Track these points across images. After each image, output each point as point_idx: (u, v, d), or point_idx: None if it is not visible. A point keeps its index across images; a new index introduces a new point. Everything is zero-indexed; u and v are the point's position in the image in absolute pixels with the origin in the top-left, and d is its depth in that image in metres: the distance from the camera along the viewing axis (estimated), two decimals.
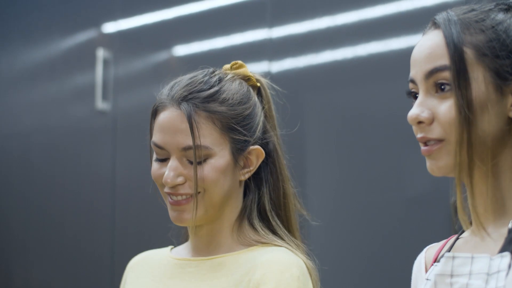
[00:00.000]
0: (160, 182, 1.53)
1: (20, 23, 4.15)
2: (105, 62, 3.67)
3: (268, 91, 1.65)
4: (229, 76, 1.59)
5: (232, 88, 1.56)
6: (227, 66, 1.64)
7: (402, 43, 2.74)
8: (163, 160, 1.53)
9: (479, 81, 1.13)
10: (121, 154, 3.58)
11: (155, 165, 1.54)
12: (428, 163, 1.19)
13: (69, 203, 3.76)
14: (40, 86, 3.99)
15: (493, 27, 1.16)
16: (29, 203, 3.94)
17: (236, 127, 1.53)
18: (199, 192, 1.50)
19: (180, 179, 1.50)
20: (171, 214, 1.53)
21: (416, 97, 1.21)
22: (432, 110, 1.17)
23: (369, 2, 2.83)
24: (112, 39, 3.72)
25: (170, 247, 1.69)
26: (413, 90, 1.22)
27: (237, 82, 1.59)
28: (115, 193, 3.58)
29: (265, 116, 1.62)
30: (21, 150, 4.03)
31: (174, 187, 1.50)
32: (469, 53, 1.15)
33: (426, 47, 1.19)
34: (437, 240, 1.36)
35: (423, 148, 1.19)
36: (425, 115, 1.17)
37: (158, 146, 1.52)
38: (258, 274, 1.44)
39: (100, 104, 3.63)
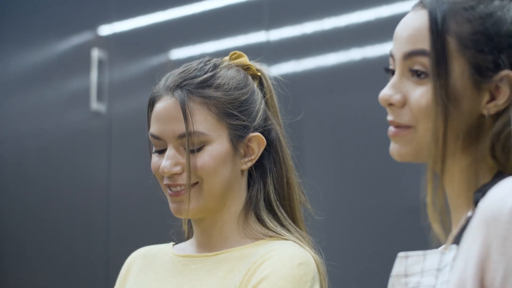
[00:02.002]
0: (159, 175, 1.50)
1: (14, 26, 4.13)
2: (101, 64, 3.65)
3: (269, 80, 1.62)
4: (225, 64, 1.56)
5: (228, 74, 1.53)
6: (226, 57, 1.60)
7: None
8: (162, 152, 1.50)
9: (458, 73, 1.09)
10: (116, 157, 3.57)
11: (154, 158, 1.51)
12: (391, 146, 1.15)
13: (64, 206, 3.75)
14: (35, 89, 3.97)
15: (481, 17, 1.10)
16: (24, 207, 3.92)
17: (233, 112, 1.49)
18: (197, 182, 1.47)
19: (177, 168, 1.47)
20: (171, 206, 1.49)
21: (393, 74, 1.17)
22: (405, 93, 1.13)
23: (368, 5, 2.82)
24: (107, 42, 3.70)
25: (171, 243, 1.64)
26: (391, 67, 1.18)
27: (234, 69, 1.56)
28: (110, 196, 3.57)
29: (267, 105, 1.58)
30: (16, 154, 4.01)
31: (171, 177, 1.47)
32: (451, 43, 1.10)
33: (409, 26, 1.14)
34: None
35: (390, 128, 1.15)
36: (397, 97, 1.13)
37: (155, 137, 1.49)
38: (259, 262, 1.42)
39: (95, 106, 3.61)
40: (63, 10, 3.92)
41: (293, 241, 1.48)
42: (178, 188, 1.47)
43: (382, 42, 2.78)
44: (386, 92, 1.15)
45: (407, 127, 1.13)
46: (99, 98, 3.63)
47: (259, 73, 1.61)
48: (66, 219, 3.74)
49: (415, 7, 1.17)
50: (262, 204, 1.53)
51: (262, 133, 1.53)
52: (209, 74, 1.51)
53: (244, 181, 1.55)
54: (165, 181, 1.49)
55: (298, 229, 1.53)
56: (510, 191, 0.96)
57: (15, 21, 4.12)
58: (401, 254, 1.15)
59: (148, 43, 3.59)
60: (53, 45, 3.94)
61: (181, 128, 1.46)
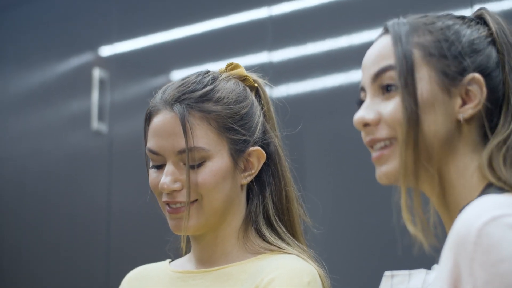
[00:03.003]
0: (158, 191, 1.47)
1: (15, 46, 4.14)
2: (102, 85, 3.65)
3: (266, 91, 1.60)
4: (223, 76, 1.53)
5: (227, 87, 1.50)
6: (222, 68, 1.58)
7: None
8: (160, 167, 1.47)
9: (426, 80, 1.10)
10: (117, 177, 3.56)
11: (152, 174, 1.48)
12: (377, 171, 1.15)
13: (65, 226, 3.74)
14: (36, 110, 3.98)
15: (442, 29, 1.14)
16: (25, 226, 3.91)
17: (234, 127, 1.47)
18: (196, 200, 1.44)
19: (177, 185, 1.43)
20: (170, 223, 1.46)
21: None
22: (378, 111, 1.14)
23: (369, 26, 2.82)
24: (108, 62, 3.71)
25: (168, 260, 1.60)
26: (363, 99, 1.19)
27: (232, 81, 1.52)
28: (111, 216, 3.56)
29: (264, 117, 1.56)
30: (17, 174, 4.01)
31: (171, 193, 1.44)
32: (416, 53, 1.12)
33: (374, 50, 1.18)
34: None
35: (373, 154, 1.15)
36: (370, 116, 1.14)
37: (153, 152, 1.46)
38: (266, 280, 1.37)
39: (96, 126, 3.61)
40: (64, 31, 3.92)
41: (296, 255, 1.45)
42: (178, 205, 1.44)
43: None
44: (359, 114, 1.16)
45: (389, 141, 1.13)
46: (100, 118, 3.63)
47: (256, 84, 1.59)
48: (67, 238, 3.73)
49: (378, 37, 1.21)
50: (261, 218, 1.50)
51: (261, 146, 1.51)
52: (209, 87, 1.48)
53: (243, 195, 1.52)
54: (164, 198, 1.46)
55: (298, 243, 1.50)
56: (479, 213, 0.96)
57: (16, 41, 4.13)
58: (387, 273, 1.16)
59: (149, 63, 3.60)
60: (54, 65, 3.95)
61: (180, 143, 1.43)
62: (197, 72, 1.53)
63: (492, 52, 1.14)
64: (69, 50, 3.89)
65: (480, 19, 1.18)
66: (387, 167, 1.14)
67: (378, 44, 1.18)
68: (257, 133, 1.51)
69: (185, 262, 1.56)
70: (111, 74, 3.67)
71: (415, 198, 1.10)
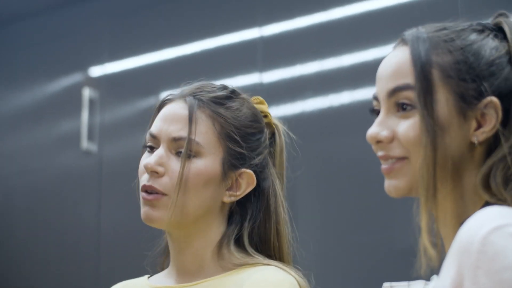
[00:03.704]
0: (140, 175, 1.46)
1: (5, 66, 4.14)
2: (91, 105, 3.64)
3: (283, 138, 1.58)
4: (246, 98, 1.53)
5: (244, 105, 1.51)
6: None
7: None
8: (153, 149, 1.46)
9: (443, 102, 1.10)
10: (107, 196, 3.55)
11: (144, 156, 1.47)
12: (387, 183, 1.16)
13: (54, 245, 3.72)
14: (26, 130, 3.96)
15: (461, 48, 1.13)
16: (13, 246, 3.89)
17: (236, 138, 1.46)
18: (167, 194, 1.42)
19: (160, 168, 1.42)
20: (142, 210, 1.43)
21: (377, 115, 1.18)
22: (392, 129, 1.14)
23: (359, 47, 2.83)
24: (98, 82, 3.70)
25: (146, 276, 1.57)
26: (376, 107, 1.19)
27: (252, 106, 1.53)
28: (100, 236, 3.54)
29: (273, 160, 1.55)
30: (5, 194, 3.99)
31: (151, 177, 1.42)
32: (434, 73, 1.11)
33: (392, 63, 1.16)
34: None
35: (384, 166, 1.15)
36: (384, 134, 1.14)
37: (152, 135, 1.45)
38: None
39: (86, 145, 3.60)
40: (55, 51, 3.92)
41: (275, 265, 1.43)
42: (153, 195, 1.42)
43: (374, 85, 2.79)
44: (373, 130, 1.16)
45: (401, 159, 1.13)
46: (90, 138, 3.62)
47: (274, 126, 1.58)
48: (56, 258, 3.71)
49: (396, 45, 1.19)
50: (232, 244, 1.47)
51: (256, 176, 1.49)
52: (226, 94, 1.49)
53: (224, 215, 1.50)
54: (143, 181, 1.44)
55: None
56: (483, 222, 0.97)
57: (5, 61, 4.13)
58: (386, 285, 1.16)
59: (139, 84, 3.59)
60: (44, 85, 3.94)
61: (179, 131, 1.42)
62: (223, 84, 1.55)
63: (510, 72, 1.13)
64: (59, 70, 3.88)
65: (499, 29, 1.17)
66: (397, 182, 1.14)
67: (395, 57, 1.17)
68: (257, 160, 1.50)
69: (164, 278, 1.53)
70: (101, 94, 3.67)
71: (435, 221, 1.12)
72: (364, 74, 2.82)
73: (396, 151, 1.13)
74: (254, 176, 1.48)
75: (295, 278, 1.41)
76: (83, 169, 3.65)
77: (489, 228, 0.95)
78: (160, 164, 1.42)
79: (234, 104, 1.49)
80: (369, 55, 2.83)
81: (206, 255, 1.47)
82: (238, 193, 1.48)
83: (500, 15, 1.18)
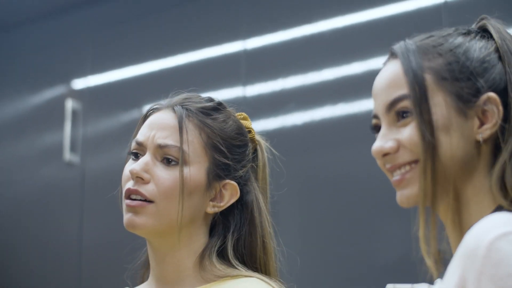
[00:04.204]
0: (124, 181, 1.43)
1: None
2: (74, 117, 3.63)
3: (265, 154, 1.58)
4: (231, 110, 1.54)
5: (230, 116, 1.51)
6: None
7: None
8: (138, 156, 1.45)
9: (440, 105, 1.10)
10: (89, 208, 3.54)
11: (128, 163, 1.46)
12: (398, 195, 1.14)
13: (36, 256, 3.71)
14: (8, 141, 3.96)
15: (451, 50, 1.13)
16: None
17: (222, 148, 1.46)
18: (152, 201, 1.41)
19: (146, 175, 1.41)
20: (124, 217, 1.41)
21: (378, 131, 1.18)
22: (395, 138, 1.14)
23: (343, 61, 2.84)
24: (81, 95, 3.69)
25: None
26: (377, 124, 1.19)
27: (237, 118, 1.54)
28: (82, 247, 3.53)
29: (256, 175, 1.55)
30: None
31: (136, 183, 1.40)
32: (428, 78, 1.11)
33: (385, 78, 1.16)
34: None
35: (394, 178, 1.14)
36: (389, 144, 1.14)
37: (138, 142, 1.45)
38: None
39: (69, 157, 3.59)
40: (37, 63, 3.91)
41: (257, 277, 1.42)
42: (137, 201, 1.41)
43: (357, 99, 2.80)
44: (377, 144, 1.15)
45: (413, 162, 1.12)
46: (73, 150, 3.61)
47: (257, 142, 1.58)
48: (38, 269, 3.69)
49: (386, 61, 1.19)
50: (214, 256, 1.46)
51: (239, 188, 1.49)
52: (213, 106, 1.49)
53: (206, 226, 1.49)
54: (128, 185, 1.42)
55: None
56: (491, 227, 0.97)
57: None
58: (389, 286, 1.15)
59: (122, 97, 3.59)
60: (26, 97, 3.93)
61: (165, 139, 1.42)
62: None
63: (502, 67, 1.14)
64: (42, 82, 3.87)
65: (484, 31, 1.18)
66: (409, 191, 1.13)
67: (388, 71, 1.17)
68: (241, 172, 1.49)
69: None
70: (84, 107, 3.66)
71: (432, 229, 1.10)
72: (346, 88, 2.83)
73: (405, 157, 1.13)
74: (237, 187, 1.48)
75: None
76: (65, 181, 3.64)
77: (496, 234, 0.96)
78: (146, 170, 1.41)
79: (221, 116, 1.49)
80: (352, 69, 2.83)
81: (187, 266, 1.46)
82: (221, 204, 1.47)
83: (482, 19, 1.20)
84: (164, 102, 1.50)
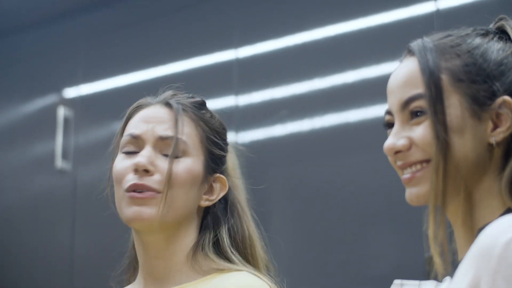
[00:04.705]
0: (121, 176, 1.43)
1: None
2: (66, 126, 3.63)
3: (234, 156, 1.58)
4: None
5: (212, 112, 1.53)
6: None
7: (374, 113, 2.74)
8: (132, 153, 1.44)
9: (455, 106, 1.10)
10: (81, 216, 3.53)
11: (119, 160, 1.45)
12: (408, 192, 1.14)
13: (27, 265, 3.70)
14: (0, 150, 3.94)
15: (469, 51, 1.13)
16: None
17: (217, 141, 1.48)
18: (160, 192, 1.40)
19: (152, 167, 1.41)
20: (131, 210, 1.40)
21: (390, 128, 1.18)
22: (408, 136, 1.14)
23: (336, 69, 2.84)
24: (73, 103, 3.69)
25: None
26: (389, 121, 1.19)
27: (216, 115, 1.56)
28: (74, 255, 3.52)
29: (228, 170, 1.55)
30: None
31: (141, 176, 1.40)
32: (444, 79, 1.12)
33: (401, 75, 1.16)
34: None
35: (404, 176, 1.15)
36: (401, 142, 1.14)
37: (134, 136, 1.44)
38: None
39: (60, 165, 3.58)
40: (28, 72, 3.90)
41: (247, 271, 1.42)
42: (146, 192, 1.40)
43: (350, 108, 2.79)
44: (390, 141, 1.16)
45: (424, 161, 1.12)
46: (64, 158, 3.60)
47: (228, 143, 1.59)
48: (29, 277, 3.68)
49: (403, 58, 1.19)
50: (210, 247, 1.47)
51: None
52: (201, 101, 1.51)
53: (197, 220, 1.49)
54: (132, 181, 1.41)
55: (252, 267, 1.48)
56: (507, 227, 0.96)
57: None
58: (396, 282, 1.15)
59: (114, 105, 3.58)
60: (18, 106, 3.92)
61: (165, 130, 1.43)
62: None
63: None
64: (33, 91, 3.86)
65: (502, 32, 1.18)
66: (419, 189, 1.13)
67: (404, 68, 1.17)
68: (225, 165, 1.52)
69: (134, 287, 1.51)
70: (75, 115, 3.65)
71: (441, 229, 1.10)
72: (340, 97, 2.82)
73: (417, 155, 1.13)
74: (226, 181, 1.50)
75: (268, 284, 1.41)
76: (57, 189, 3.63)
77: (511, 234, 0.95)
78: (151, 163, 1.41)
79: (208, 111, 1.51)
80: (345, 78, 2.83)
81: (179, 260, 1.46)
82: (212, 197, 1.48)
83: (501, 19, 1.19)
84: (151, 99, 1.51)
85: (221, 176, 1.49)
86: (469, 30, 1.17)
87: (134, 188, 1.41)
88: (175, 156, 1.42)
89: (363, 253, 2.65)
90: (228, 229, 1.49)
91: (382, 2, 2.80)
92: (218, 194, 1.49)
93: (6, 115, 3.96)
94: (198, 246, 1.47)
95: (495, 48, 1.14)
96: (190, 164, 1.43)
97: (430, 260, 1.11)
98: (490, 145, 1.11)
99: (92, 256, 3.43)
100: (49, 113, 3.71)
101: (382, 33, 2.76)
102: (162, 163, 1.41)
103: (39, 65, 3.87)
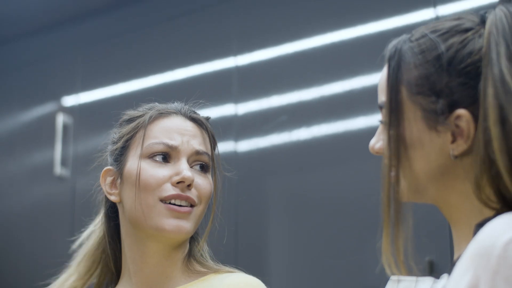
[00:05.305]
0: (156, 184, 1.43)
1: None
2: (65, 134, 3.63)
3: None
4: None
5: None
6: None
7: (373, 121, 2.74)
8: (164, 162, 1.46)
9: (411, 120, 1.10)
10: (80, 225, 3.52)
11: (152, 167, 1.45)
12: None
13: (25, 272, 3.69)
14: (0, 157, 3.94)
15: (427, 61, 1.10)
16: None
17: (216, 154, 1.54)
18: (195, 205, 1.45)
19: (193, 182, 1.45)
20: (168, 223, 1.41)
21: None
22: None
23: (336, 78, 2.84)
24: (72, 111, 3.68)
25: None
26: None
27: None
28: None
29: None
30: None
31: (184, 189, 1.42)
32: (403, 91, 1.11)
33: (380, 79, 1.17)
34: None
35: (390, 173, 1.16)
36: (378, 145, 1.16)
37: (170, 146, 1.45)
38: None
39: (59, 174, 3.58)
40: (27, 80, 3.90)
41: (238, 271, 1.46)
42: (184, 205, 1.42)
43: (352, 117, 2.79)
44: (371, 142, 1.18)
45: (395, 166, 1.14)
46: (63, 167, 3.60)
47: None
48: (28, 284, 3.67)
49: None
50: (200, 253, 1.51)
51: None
52: (208, 117, 1.56)
53: None
54: (174, 191, 1.43)
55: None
56: (506, 228, 0.95)
57: None
58: (393, 278, 1.14)
59: (113, 113, 3.57)
60: (17, 114, 3.92)
61: (200, 145, 1.47)
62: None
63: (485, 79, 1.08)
64: (32, 99, 3.86)
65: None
66: (397, 189, 1.14)
67: (383, 72, 1.17)
68: None
69: None
70: (74, 123, 3.65)
71: (396, 241, 1.10)
72: (341, 105, 2.82)
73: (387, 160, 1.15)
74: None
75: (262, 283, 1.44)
76: (56, 197, 3.63)
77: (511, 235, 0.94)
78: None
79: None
80: (344, 86, 2.83)
81: (177, 266, 1.48)
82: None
83: (502, 1, 1.11)
84: (170, 107, 1.53)
85: None
86: (453, 24, 1.12)
87: (176, 198, 1.43)
88: (206, 171, 1.48)
89: (361, 262, 2.64)
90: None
91: (381, 9, 2.80)
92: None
93: (5, 123, 3.96)
94: (192, 251, 1.51)
95: (466, 51, 1.09)
96: (210, 179, 1.49)
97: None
98: (455, 156, 1.09)
99: None
100: (48, 120, 3.70)
101: (382, 41, 2.75)
102: (198, 178, 1.46)
103: (38, 73, 3.87)
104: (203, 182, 1.45)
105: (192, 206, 1.43)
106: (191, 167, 1.45)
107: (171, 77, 3.37)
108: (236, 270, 1.46)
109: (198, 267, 1.48)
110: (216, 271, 1.46)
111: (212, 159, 1.49)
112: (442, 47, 1.11)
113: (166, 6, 3.46)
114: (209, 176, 1.48)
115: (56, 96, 3.76)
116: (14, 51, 4.00)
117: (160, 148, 1.46)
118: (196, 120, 1.50)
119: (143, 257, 1.47)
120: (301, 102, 2.92)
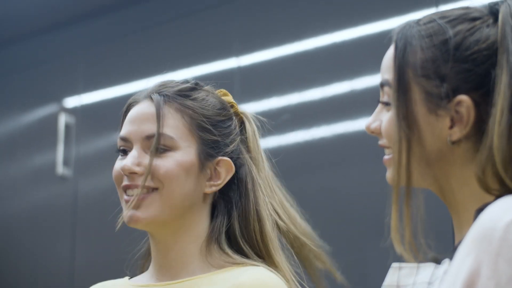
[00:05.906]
0: (118, 178, 1.44)
1: None
2: (67, 136, 3.63)
3: (253, 123, 1.58)
4: (209, 88, 1.55)
5: (209, 95, 1.52)
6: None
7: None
8: (125, 153, 1.45)
9: (414, 102, 1.10)
10: (81, 227, 3.52)
11: (116, 162, 1.46)
12: (387, 173, 1.17)
13: (28, 274, 3.69)
14: (0, 160, 3.93)
15: (434, 45, 1.11)
16: None
17: (207, 127, 1.47)
18: (156, 189, 1.40)
19: (138, 168, 1.41)
20: (125, 214, 1.41)
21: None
22: (381, 120, 1.16)
23: (339, 78, 2.83)
24: (74, 112, 3.68)
25: (126, 277, 1.54)
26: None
27: (217, 94, 1.55)
28: (75, 265, 3.51)
29: (247, 145, 1.55)
30: None
31: (131, 177, 1.41)
32: (409, 72, 1.11)
33: (385, 57, 1.18)
34: None
35: (384, 157, 1.18)
36: (374, 125, 1.17)
37: (123, 138, 1.45)
38: None
39: (61, 175, 3.58)
40: (29, 81, 3.90)
41: (263, 266, 1.42)
42: (135, 192, 1.41)
43: (355, 117, 2.79)
44: (367, 122, 1.18)
45: (389, 147, 1.14)
46: (66, 168, 3.60)
47: (242, 115, 1.58)
48: (29, 286, 3.68)
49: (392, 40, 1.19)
50: (223, 237, 1.46)
51: (234, 163, 1.49)
52: (190, 86, 1.51)
53: (207, 207, 1.49)
54: (124, 182, 1.42)
55: (266, 262, 1.46)
56: (506, 209, 0.94)
57: None
58: (395, 265, 1.14)
59: (114, 114, 3.57)
60: (19, 115, 3.92)
61: (149, 128, 1.43)
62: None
63: (491, 67, 1.08)
64: (34, 100, 3.86)
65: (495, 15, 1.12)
66: (388, 173, 1.16)
67: (388, 52, 1.17)
68: (231, 147, 1.50)
69: (145, 277, 1.50)
70: (76, 124, 3.65)
71: (405, 218, 1.09)
72: (344, 105, 2.82)
73: (384, 141, 1.15)
74: (231, 163, 1.48)
75: (283, 280, 1.41)
76: (58, 198, 3.63)
77: None
78: (138, 164, 1.42)
79: (200, 95, 1.50)
80: (347, 86, 2.83)
81: (191, 252, 1.45)
82: (218, 182, 1.47)
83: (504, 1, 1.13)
84: (140, 93, 1.51)
85: (224, 158, 1.47)
86: (461, 13, 1.14)
87: (126, 188, 1.42)
88: (161, 151, 1.41)
89: (363, 264, 2.64)
90: (239, 214, 1.48)
91: (383, 9, 2.80)
92: (224, 178, 1.47)
93: (7, 124, 3.96)
94: (211, 238, 1.46)
95: (473, 39, 1.10)
96: (179, 157, 1.42)
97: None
98: (452, 142, 1.10)
99: (93, 264, 3.43)
100: (50, 122, 3.70)
101: (384, 41, 2.76)
102: (155, 161, 1.41)
103: (40, 74, 3.87)
104: (159, 164, 1.40)
105: (152, 189, 1.40)
106: (151, 151, 1.42)
107: (173, 78, 3.36)
108: (260, 264, 1.42)
109: (219, 257, 1.44)
110: (238, 264, 1.42)
111: (159, 134, 1.42)
112: (450, 32, 1.11)
113: (167, 7, 3.46)
114: (172, 154, 1.42)
115: (58, 97, 3.76)
116: (16, 52, 4.00)
117: (119, 142, 1.47)
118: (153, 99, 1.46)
119: (154, 243, 1.47)
120: (303, 103, 2.92)
